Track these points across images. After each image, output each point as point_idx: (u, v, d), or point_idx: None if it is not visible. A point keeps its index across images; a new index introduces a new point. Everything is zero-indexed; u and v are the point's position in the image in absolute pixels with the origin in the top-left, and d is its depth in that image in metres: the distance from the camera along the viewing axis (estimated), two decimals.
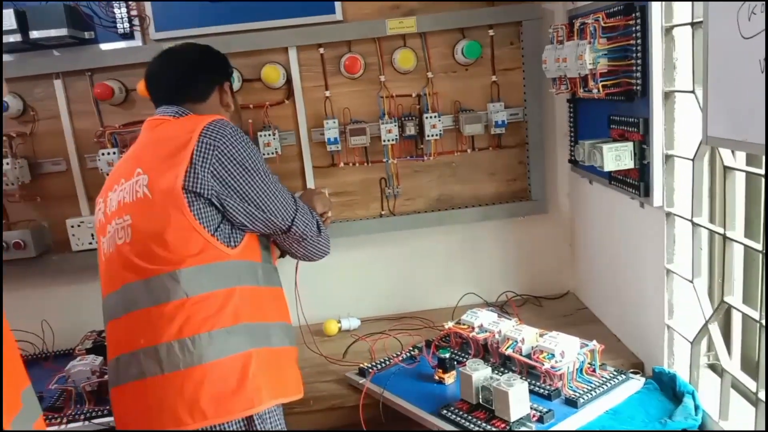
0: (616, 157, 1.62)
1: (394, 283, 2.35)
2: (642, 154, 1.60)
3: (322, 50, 2.11)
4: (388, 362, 1.82)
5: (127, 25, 2.06)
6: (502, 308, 2.23)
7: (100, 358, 1.78)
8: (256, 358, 1.38)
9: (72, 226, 2.10)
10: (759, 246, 1.23)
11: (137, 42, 2.09)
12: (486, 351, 1.77)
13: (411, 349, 1.89)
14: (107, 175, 2.02)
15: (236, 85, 2.05)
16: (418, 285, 2.35)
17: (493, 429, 1.41)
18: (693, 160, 1.46)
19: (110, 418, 1.65)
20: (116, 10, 2.05)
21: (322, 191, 1.84)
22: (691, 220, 1.50)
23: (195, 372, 1.32)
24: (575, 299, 2.32)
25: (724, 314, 1.57)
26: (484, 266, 2.36)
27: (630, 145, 1.61)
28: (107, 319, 1.47)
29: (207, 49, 1.69)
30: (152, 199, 1.38)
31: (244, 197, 1.41)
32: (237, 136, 1.42)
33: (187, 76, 1.60)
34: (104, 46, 2.10)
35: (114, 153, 2.00)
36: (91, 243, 2.09)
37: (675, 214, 1.57)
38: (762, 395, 1.26)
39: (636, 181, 1.63)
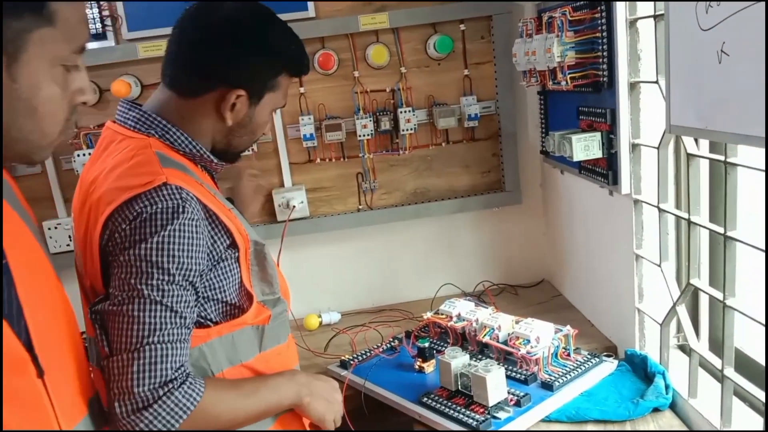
0: (585, 147, 1.67)
1: (373, 277, 2.38)
2: (610, 143, 1.65)
3: None
4: (369, 354, 1.85)
5: (99, 25, 2.06)
6: (480, 297, 2.27)
7: None
8: None
9: (49, 228, 2.09)
10: (722, 230, 1.28)
11: (110, 42, 2.08)
12: (464, 339, 1.81)
13: (391, 340, 1.92)
14: None
15: None
16: (397, 277, 2.38)
17: (473, 414, 1.45)
18: (658, 148, 1.51)
19: None
20: (88, 11, 2.04)
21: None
22: (657, 207, 1.55)
23: None
24: (550, 287, 2.38)
25: (691, 297, 1.63)
26: (461, 257, 2.40)
27: (598, 135, 1.66)
28: None
29: (253, 22, 1.21)
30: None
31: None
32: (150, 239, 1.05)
33: (187, 49, 1.21)
34: None
35: (89, 154, 1.99)
36: (68, 245, 2.09)
37: (642, 201, 1.62)
38: (728, 372, 1.32)
39: (605, 170, 1.68)
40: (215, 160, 1.25)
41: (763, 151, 1.05)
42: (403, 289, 2.38)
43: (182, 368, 1.07)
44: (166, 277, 1.05)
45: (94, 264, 1.11)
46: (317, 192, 2.26)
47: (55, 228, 2.09)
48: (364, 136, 2.14)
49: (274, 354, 1.27)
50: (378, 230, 2.34)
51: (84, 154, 2.00)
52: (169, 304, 1.05)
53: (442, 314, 1.88)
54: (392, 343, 1.91)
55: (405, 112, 2.13)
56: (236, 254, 1.18)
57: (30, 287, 0.86)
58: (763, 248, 1.16)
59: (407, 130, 2.14)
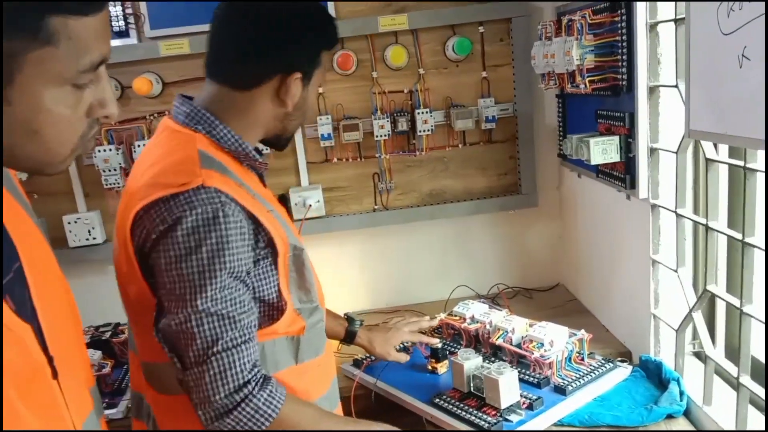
0: (603, 150, 1.66)
1: (387, 277, 2.39)
2: (628, 147, 1.64)
3: None
4: None
5: (122, 23, 2.08)
6: (494, 300, 2.27)
7: (99, 352, 1.81)
8: None
9: (69, 223, 2.12)
10: (740, 236, 1.27)
11: (132, 40, 2.10)
12: (477, 341, 1.80)
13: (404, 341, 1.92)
14: (104, 171, 2.06)
15: None
16: (412, 278, 2.38)
17: (484, 416, 1.45)
18: (677, 153, 1.50)
19: (107, 411, 1.68)
20: (111, 8, 2.07)
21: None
22: (675, 212, 1.54)
23: None
24: (565, 291, 2.37)
25: (708, 303, 1.61)
26: (476, 259, 2.40)
27: (616, 138, 1.65)
28: None
29: (300, 6, 1.22)
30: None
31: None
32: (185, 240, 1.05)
33: (237, 42, 1.19)
34: None
35: (110, 150, 2.02)
36: (87, 239, 2.12)
37: (660, 206, 1.61)
38: (744, 380, 1.31)
39: (622, 174, 1.67)
40: (260, 159, 1.23)
41: None
42: (418, 290, 2.38)
43: (255, 368, 1.09)
44: (218, 285, 1.06)
45: (129, 258, 1.11)
46: (333, 191, 2.27)
47: (75, 222, 2.12)
48: (381, 136, 2.14)
49: (313, 366, 1.26)
50: (393, 231, 2.34)
51: (104, 150, 2.03)
52: (224, 312, 1.06)
53: (455, 316, 1.88)
54: (405, 344, 1.90)
55: (422, 113, 2.13)
56: (274, 258, 1.16)
57: (41, 286, 0.86)
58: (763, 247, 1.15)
59: (424, 131, 2.14)
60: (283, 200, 1.32)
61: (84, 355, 1.01)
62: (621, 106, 1.65)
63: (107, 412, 1.67)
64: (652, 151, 1.60)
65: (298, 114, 1.26)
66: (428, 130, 2.14)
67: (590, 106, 1.81)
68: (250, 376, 1.08)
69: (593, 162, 1.66)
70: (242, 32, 1.18)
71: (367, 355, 1.84)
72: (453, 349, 1.81)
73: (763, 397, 1.26)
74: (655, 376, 1.63)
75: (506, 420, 1.44)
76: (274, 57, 1.18)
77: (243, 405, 1.06)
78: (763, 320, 1.23)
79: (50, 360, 0.85)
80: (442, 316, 1.91)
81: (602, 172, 1.79)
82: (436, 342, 1.73)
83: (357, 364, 1.82)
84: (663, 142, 1.58)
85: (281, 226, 1.19)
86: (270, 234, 1.14)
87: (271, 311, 1.18)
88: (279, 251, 1.16)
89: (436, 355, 1.73)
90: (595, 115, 1.77)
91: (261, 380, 1.10)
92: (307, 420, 1.14)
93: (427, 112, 2.13)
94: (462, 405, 1.51)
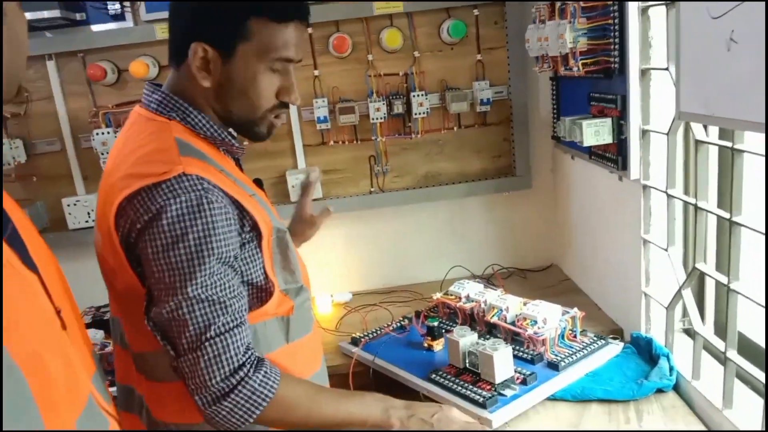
0: (596, 132, 1.69)
1: (384, 258, 2.42)
2: (620, 129, 1.67)
3: (310, 30, 2.15)
4: (379, 332, 1.89)
5: (118, 6, 2.09)
6: (488, 281, 2.31)
7: (101, 332, 1.84)
8: None
9: (68, 205, 2.14)
10: (728, 215, 1.30)
11: (128, 23, 2.12)
12: (473, 320, 1.84)
13: (401, 319, 1.96)
14: (102, 154, 2.08)
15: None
16: (407, 259, 2.42)
17: (480, 390, 1.49)
18: (667, 134, 1.53)
19: (111, 388, 1.71)
20: None
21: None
22: (665, 192, 1.57)
23: None
24: (559, 271, 2.41)
25: (697, 281, 1.66)
26: (471, 240, 2.44)
27: (608, 120, 1.68)
28: None
29: None
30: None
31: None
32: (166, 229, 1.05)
33: (170, 17, 1.19)
34: (96, 28, 2.12)
35: (108, 133, 2.04)
36: (87, 221, 2.14)
37: (651, 187, 1.64)
38: (731, 355, 1.35)
39: (614, 156, 1.70)
40: (236, 144, 1.22)
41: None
42: (413, 270, 2.41)
43: (249, 351, 1.10)
44: (207, 271, 1.05)
45: (115, 250, 1.10)
46: (330, 174, 2.30)
47: (74, 205, 2.14)
48: (377, 119, 2.16)
49: (302, 345, 1.26)
50: (389, 213, 2.37)
51: (102, 133, 2.04)
52: (215, 297, 1.06)
53: (451, 295, 1.92)
54: (402, 322, 1.94)
55: (418, 95, 2.15)
56: (258, 241, 1.16)
57: (35, 248, 0.88)
58: (764, 231, 1.19)
59: (420, 113, 2.16)
60: (258, 183, 1.31)
61: (81, 321, 0.99)
62: (613, 89, 1.68)
63: (113, 389, 1.70)
64: (644, 133, 1.63)
65: (234, 95, 1.16)
66: (424, 113, 2.16)
67: (583, 89, 1.84)
68: (244, 359, 1.09)
69: (586, 144, 1.69)
70: (171, 7, 1.19)
71: (365, 332, 1.88)
72: (448, 327, 1.84)
73: (750, 371, 1.30)
74: (645, 353, 1.68)
75: (501, 394, 1.48)
76: (183, 26, 1.15)
77: (239, 388, 1.07)
78: (752, 297, 1.27)
79: (58, 312, 0.86)
80: (438, 295, 1.95)
81: (595, 153, 1.82)
82: None
83: (355, 341, 1.86)
84: (654, 124, 1.61)
85: (263, 209, 1.20)
86: (254, 218, 1.14)
87: (260, 293, 1.18)
88: (263, 234, 1.16)
89: (432, 332, 1.76)
90: (588, 97, 1.80)
91: (255, 362, 1.11)
92: (304, 397, 1.15)
93: (422, 95, 2.15)
94: (458, 380, 1.55)
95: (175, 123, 1.15)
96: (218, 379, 1.06)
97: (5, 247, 0.81)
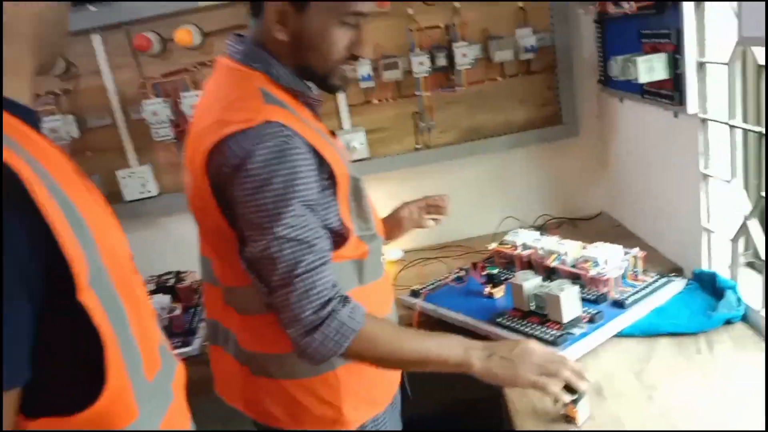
0: (650, 68, 1.66)
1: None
2: (675, 63, 1.65)
3: None
4: (438, 283, 1.91)
5: None
6: (539, 230, 2.30)
7: (168, 296, 1.89)
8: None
9: (123, 178, 2.18)
10: None
11: None
12: (530, 267, 1.84)
13: (458, 270, 1.97)
14: (153, 125, 2.11)
15: None
16: (456, 214, 2.39)
17: (549, 330, 1.50)
18: (728, 63, 1.50)
19: (184, 349, 1.76)
20: None
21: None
22: (727, 123, 1.55)
23: (287, 384, 1.30)
24: (609, 218, 2.39)
25: (762, 212, 1.64)
26: (518, 193, 2.43)
27: (664, 56, 1.65)
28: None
29: None
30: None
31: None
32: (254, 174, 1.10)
33: None
34: None
35: (158, 103, 2.06)
36: (142, 192, 2.18)
37: (710, 119, 1.62)
38: None
39: (670, 91, 1.68)
40: (314, 95, 1.26)
41: None
42: (462, 226, 2.41)
43: (335, 287, 1.15)
44: (293, 213, 1.10)
45: (205, 194, 1.15)
46: (375, 133, 2.30)
47: (129, 177, 2.18)
48: (420, 73, 2.15)
49: (375, 287, 1.32)
50: (434, 169, 2.37)
51: (153, 103, 2.07)
52: (301, 237, 1.11)
53: (507, 244, 1.92)
54: (459, 274, 1.95)
55: (461, 46, 2.13)
56: (335, 188, 1.20)
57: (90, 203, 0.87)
58: None
59: (463, 65, 2.14)
60: (333, 135, 1.35)
61: (140, 278, 1.01)
62: (666, 23, 1.65)
63: (182, 350, 1.76)
64: (700, 65, 1.60)
65: (308, 48, 1.19)
66: (468, 64, 2.15)
67: (632, 28, 1.81)
68: (331, 294, 1.14)
69: (641, 80, 1.66)
70: None
71: (424, 284, 1.90)
72: (507, 275, 1.85)
73: None
74: (709, 287, 1.66)
75: (569, 333, 1.49)
76: None
77: (329, 321, 1.12)
78: None
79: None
80: (494, 245, 1.95)
81: (648, 92, 1.79)
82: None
83: (414, 293, 1.87)
84: (710, 55, 1.58)
85: (340, 158, 1.23)
86: (332, 165, 1.18)
87: (336, 238, 1.22)
88: (339, 182, 1.20)
89: (493, 280, 1.77)
90: (638, 35, 1.77)
91: (342, 298, 1.16)
92: (388, 333, 1.20)
93: (465, 45, 2.13)
94: (525, 322, 1.56)
95: (259, 73, 1.20)
96: (309, 312, 1.11)
97: (97, 193, 0.84)
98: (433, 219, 1.74)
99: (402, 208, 1.74)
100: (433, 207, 1.74)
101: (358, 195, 1.27)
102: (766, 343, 1.44)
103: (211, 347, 1.46)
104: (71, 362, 0.73)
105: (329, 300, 1.13)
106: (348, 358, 1.19)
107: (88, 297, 0.70)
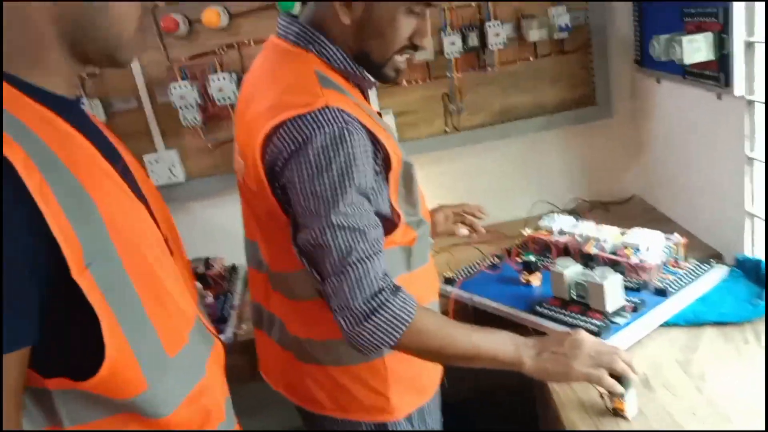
0: (696, 48, 1.61)
1: (461, 199, 2.36)
2: (722, 44, 1.59)
3: None
4: (472, 270, 1.88)
5: None
6: (571, 214, 2.26)
7: (199, 284, 1.87)
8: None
9: (150, 162, 2.16)
10: None
11: None
12: (567, 254, 1.81)
13: (492, 257, 1.94)
14: (181, 108, 2.07)
15: None
16: (487, 198, 2.34)
17: (591, 320, 1.47)
18: None
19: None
20: None
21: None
22: None
23: (333, 370, 1.31)
24: (642, 202, 2.35)
25: None
26: (549, 176, 2.39)
27: (710, 35, 1.60)
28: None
29: None
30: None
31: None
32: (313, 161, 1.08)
33: None
34: None
35: (186, 87, 2.03)
36: (170, 177, 2.15)
37: (757, 101, 1.56)
38: None
39: (715, 72, 1.63)
40: (368, 78, 1.24)
41: None
42: (493, 209, 2.35)
43: (387, 277, 1.13)
44: (348, 200, 1.09)
45: (259, 178, 1.14)
46: (404, 116, 2.25)
47: (156, 162, 2.15)
48: (452, 54, 2.10)
49: (422, 273, 1.32)
50: (465, 152, 2.33)
51: (179, 87, 2.03)
52: (355, 225, 1.09)
53: (542, 229, 1.89)
54: (493, 260, 1.92)
55: (493, 25, 2.08)
56: (387, 173, 1.19)
57: (142, 182, 0.99)
58: None
59: (496, 45, 2.09)
60: (380, 115, 1.33)
61: (183, 252, 1.06)
62: (712, 2, 1.59)
63: None
64: (748, 45, 1.54)
65: (369, 34, 1.17)
66: (500, 44, 2.09)
67: (675, 6, 1.75)
68: (383, 284, 1.12)
69: (686, 61, 1.61)
70: None
71: (457, 272, 1.87)
72: (544, 262, 1.82)
73: None
74: (753, 274, 1.62)
75: (613, 323, 1.46)
76: None
77: (380, 310, 1.10)
78: None
79: (165, 240, 0.93)
80: (528, 231, 1.92)
81: (691, 73, 1.74)
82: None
83: (449, 281, 1.84)
84: (759, 36, 1.52)
85: (395, 142, 1.22)
86: (387, 149, 1.17)
87: (386, 224, 1.20)
88: (393, 166, 1.19)
89: (530, 267, 1.74)
90: (681, 14, 1.71)
91: (393, 288, 1.13)
92: (439, 327, 1.17)
93: (498, 25, 2.08)
94: (566, 312, 1.53)
95: (312, 55, 1.17)
96: (360, 301, 1.09)
97: (119, 178, 0.84)
98: (468, 229, 1.73)
99: (438, 211, 1.72)
100: (468, 215, 1.74)
101: (408, 180, 1.25)
102: (767, 343, 1.40)
103: (256, 330, 1.48)
104: (79, 333, 0.78)
105: (381, 289, 1.11)
106: (396, 350, 1.17)
107: (82, 277, 0.74)
